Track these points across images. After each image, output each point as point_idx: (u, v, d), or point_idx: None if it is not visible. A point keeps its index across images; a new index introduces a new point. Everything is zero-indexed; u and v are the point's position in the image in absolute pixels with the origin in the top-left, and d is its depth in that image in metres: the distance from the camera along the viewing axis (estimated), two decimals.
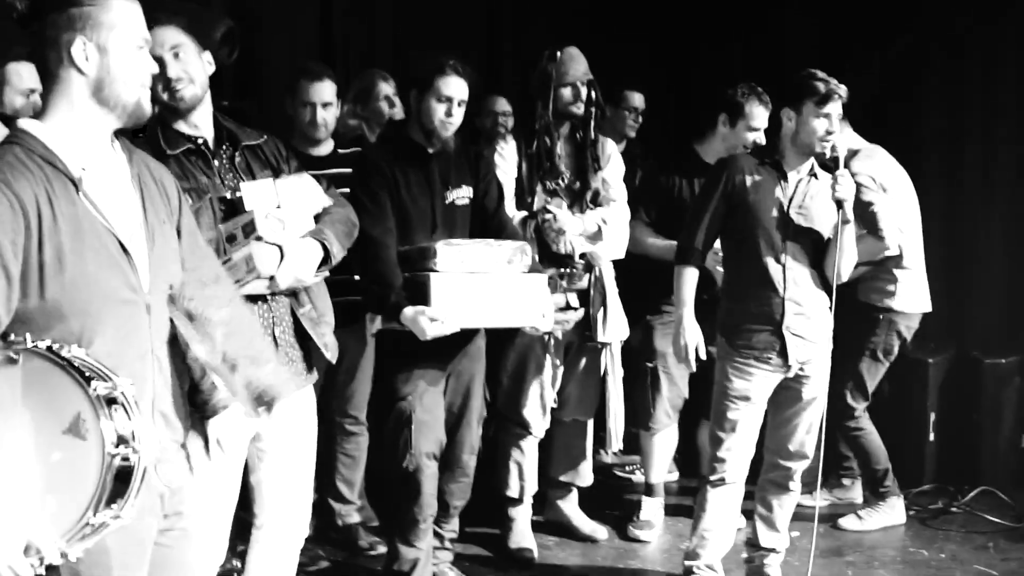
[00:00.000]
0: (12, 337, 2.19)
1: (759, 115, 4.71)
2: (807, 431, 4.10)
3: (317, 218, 3.19)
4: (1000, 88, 5.98)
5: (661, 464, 5.00)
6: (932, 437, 5.63)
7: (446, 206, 3.93)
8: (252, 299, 3.02)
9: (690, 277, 4.09)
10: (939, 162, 6.07)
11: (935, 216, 5.49)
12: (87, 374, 2.17)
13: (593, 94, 4.50)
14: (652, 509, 4.96)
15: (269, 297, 3.10)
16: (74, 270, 2.25)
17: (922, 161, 5.70)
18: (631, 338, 4.74)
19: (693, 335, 4.09)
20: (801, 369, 4.02)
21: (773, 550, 4.24)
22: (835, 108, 3.90)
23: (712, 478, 4.12)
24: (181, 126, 3.08)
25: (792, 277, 3.96)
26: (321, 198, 3.22)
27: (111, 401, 2.18)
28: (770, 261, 3.96)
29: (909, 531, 5.06)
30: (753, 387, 4.01)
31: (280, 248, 3.02)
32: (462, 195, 3.99)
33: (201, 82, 3.08)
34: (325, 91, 4.41)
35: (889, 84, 5.97)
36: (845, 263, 3.96)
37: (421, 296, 3.61)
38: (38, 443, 2.17)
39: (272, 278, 3.02)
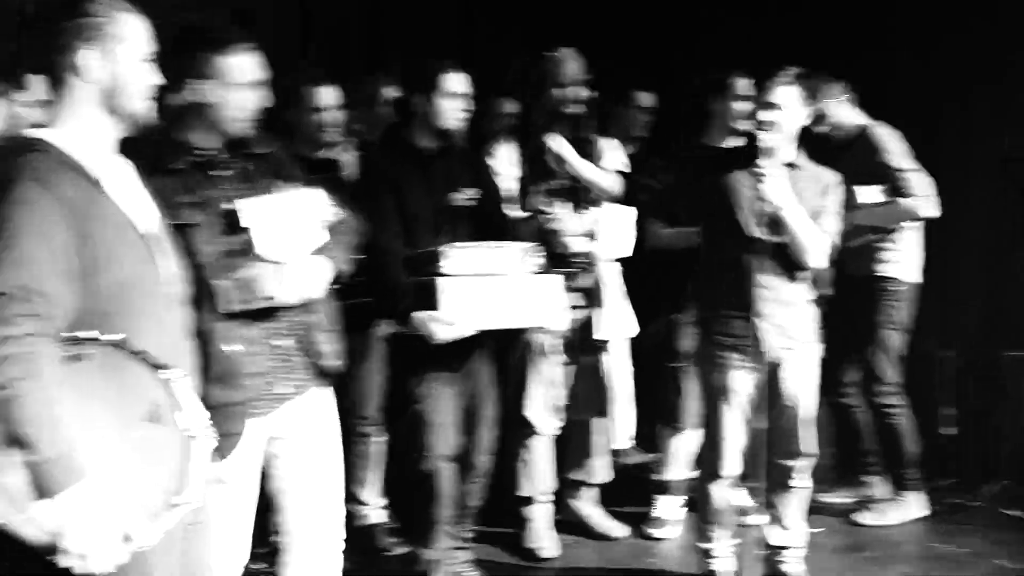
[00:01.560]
0: (73, 335, 2.26)
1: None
2: (801, 426, 4.09)
3: (330, 229, 3.18)
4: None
5: (680, 462, 5.00)
6: (951, 431, 5.60)
7: (450, 208, 3.95)
8: (254, 314, 3.01)
9: None
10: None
11: None
12: (159, 364, 2.29)
13: (585, 94, 4.50)
14: (669, 507, 4.95)
15: (273, 310, 3.05)
16: (115, 268, 2.34)
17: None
18: (655, 335, 4.74)
19: None
20: (782, 362, 4.03)
21: (785, 548, 4.24)
22: (783, 95, 3.89)
23: (706, 473, 4.18)
24: (186, 137, 3.07)
25: (761, 266, 3.96)
26: (329, 210, 3.20)
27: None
28: (744, 251, 3.96)
29: (929, 526, 5.04)
30: (736, 378, 4.02)
31: (282, 266, 3.01)
32: (466, 197, 4.00)
33: None
34: (330, 96, 4.43)
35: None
36: (801, 249, 3.92)
37: (430, 300, 3.63)
38: (119, 432, 2.28)
39: (273, 296, 3.00)
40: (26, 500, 2.20)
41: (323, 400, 3.27)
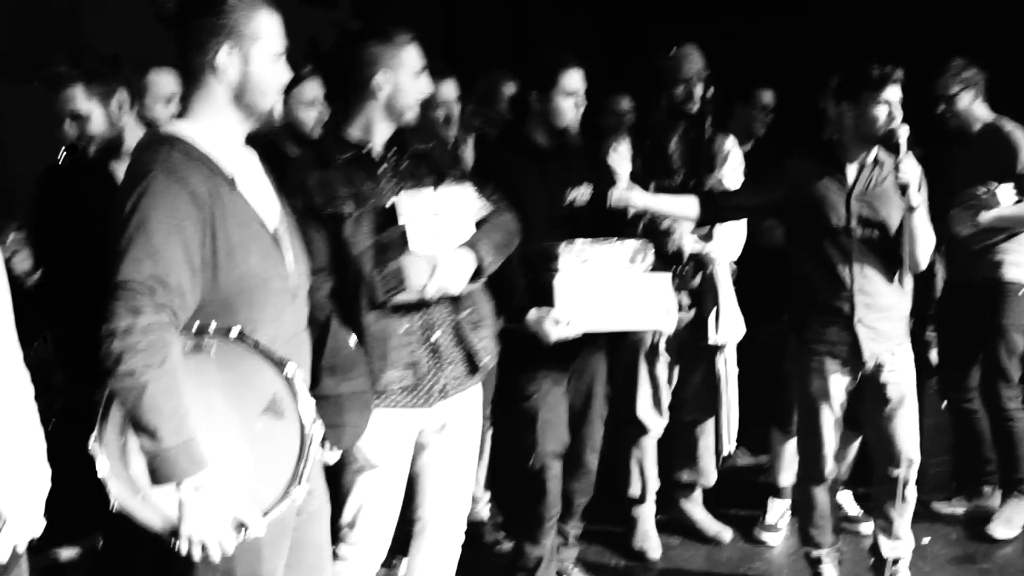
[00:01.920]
0: (197, 326, 2.33)
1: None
2: (905, 433, 3.98)
3: (479, 224, 3.22)
4: None
5: (791, 466, 4.93)
6: None
7: (566, 206, 3.94)
8: (408, 306, 3.10)
9: None
10: None
11: None
12: (278, 357, 2.34)
13: (708, 92, 4.45)
14: (779, 511, 4.89)
15: (426, 303, 3.14)
16: (241, 262, 2.39)
17: None
18: (768, 338, 4.69)
19: None
20: (881, 367, 3.94)
21: (898, 559, 4.15)
22: (894, 93, 3.79)
23: (806, 477, 4.13)
24: (352, 132, 3.16)
25: (860, 270, 3.87)
26: (479, 207, 3.25)
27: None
28: (835, 254, 3.89)
29: None
30: (830, 386, 3.96)
31: (431, 260, 3.06)
32: (582, 195, 3.99)
33: None
34: (449, 89, 4.44)
35: None
36: (920, 249, 3.83)
37: (545, 298, 3.63)
38: (238, 422, 2.34)
39: (423, 290, 3.07)
40: (146, 486, 2.27)
41: (473, 394, 3.35)
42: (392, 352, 3.08)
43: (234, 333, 2.34)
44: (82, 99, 3.12)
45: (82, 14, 5.49)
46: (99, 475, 2.29)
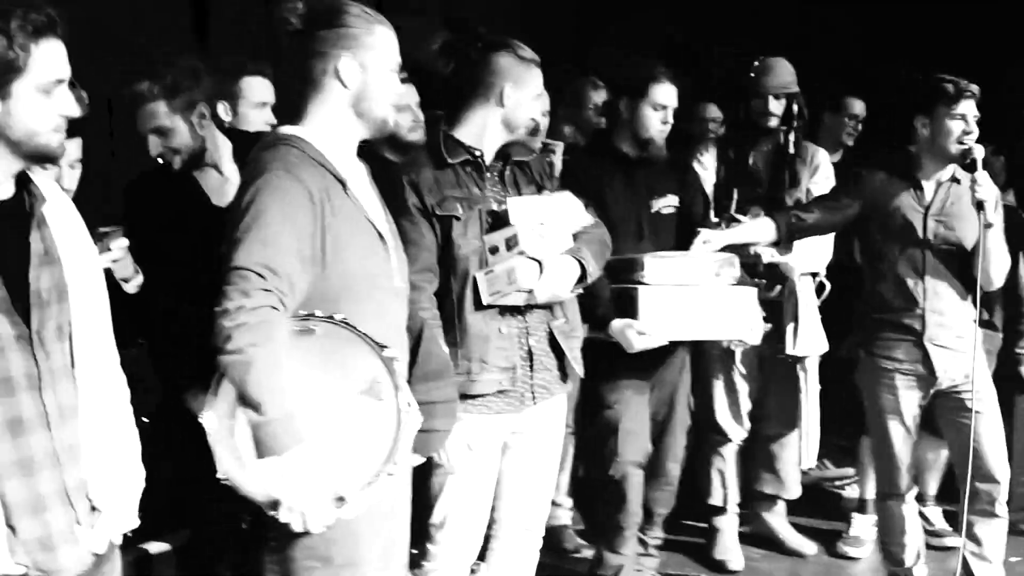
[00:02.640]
0: (304, 313, 2.44)
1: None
2: (989, 449, 3.90)
3: (575, 236, 3.29)
4: None
5: None
6: None
7: (652, 215, 3.95)
8: (508, 310, 3.19)
9: None
10: None
11: None
12: (379, 343, 2.44)
13: (795, 107, 4.42)
14: (864, 525, 4.84)
15: (524, 309, 3.22)
16: (349, 258, 2.50)
17: None
18: (850, 350, 4.64)
19: None
20: (957, 384, 3.88)
21: None
22: (969, 108, 3.74)
23: (884, 492, 4.10)
24: (465, 137, 3.25)
25: (933, 287, 3.84)
26: (582, 216, 3.33)
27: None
28: (908, 271, 3.86)
29: None
30: (900, 401, 3.93)
31: (540, 263, 3.14)
32: (668, 204, 3.99)
33: None
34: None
35: None
36: (995, 267, 3.79)
37: (629, 308, 3.65)
38: (338, 402, 2.43)
39: (531, 292, 3.15)
40: (250, 458, 2.37)
41: (559, 402, 3.41)
42: (491, 354, 3.17)
43: (339, 317, 2.45)
44: (164, 115, 3.16)
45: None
46: (209, 444, 2.39)
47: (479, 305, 3.16)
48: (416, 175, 3.15)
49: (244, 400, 2.33)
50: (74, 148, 3.13)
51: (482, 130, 3.25)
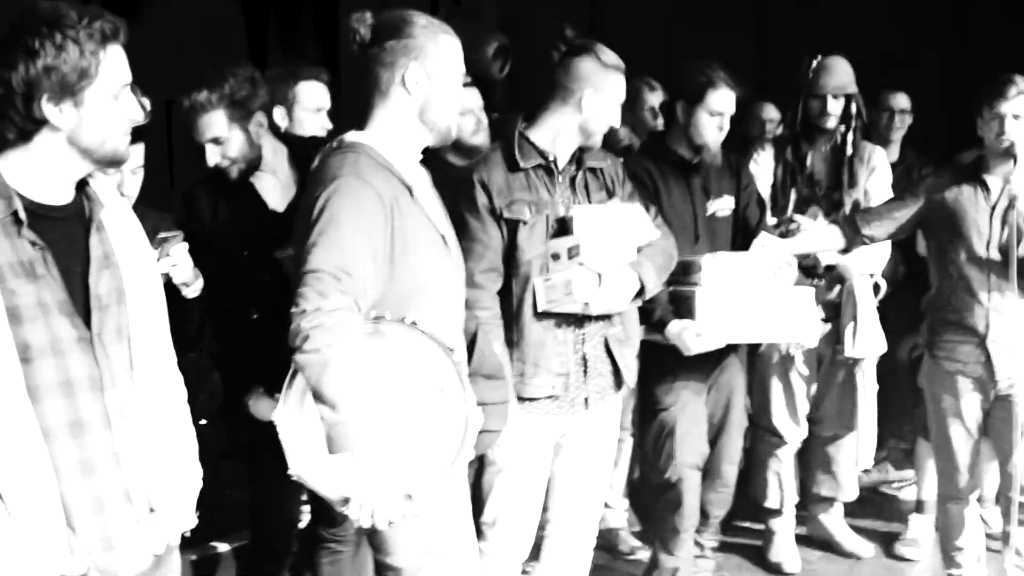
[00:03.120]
0: (374, 315, 2.50)
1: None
2: None
3: (640, 248, 3.30)
4: None
5: (935, 481, 4.82)
6: None
7: (708, 218, 3.93)
8: (565, 318, 3.20)
9: None
10: None
11: None
12: (447, 344, 2.50)
13: (854, 107, 4.35)
14: (921, 527, 4.79)
15: (582, 317, 3.23)
16: (415, 260, 2.56)
17: None
18: (910, 352, 4.59)
19: None
20: (1013, 386, 3.81)
21: None
22: (1011, 107, 3.69)
23: (944, 495, 4.06)
24: (540, 141, 3.26)
25: (997, 286, 3.77)
26: (649, 229, 3.32)
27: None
28: (973, 271, 3.79)
29: None
30: (962, 403, 3.87)
31: (599, 276, 3.15)
32: (724, 206, 3.97)
33: None
34: None
35: None
36: None
37: (686, 310, 3.63)
38: (407, 402, 2.50)
39: (586, 304, 3.15)
40: (322, 455, 2.43)
41: (614, 406, 3.43)
42: (545, 359, 3.18)
43: (409, 320, 2.51)
44: (223, 125, 3.16)
45: None
46: (281, 442, 2.47)
47: (537, 310, 3.18)
48: (487, 175, 3.18)
49: (319, 398, 2.39)
50: (137, 154, 3.18)
51: (557, 134, 3.26)
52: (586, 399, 3.29)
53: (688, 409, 3.90)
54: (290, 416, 2.49)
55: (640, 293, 3.27)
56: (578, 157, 3.31)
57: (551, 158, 3.25)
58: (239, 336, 3.21)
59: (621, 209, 3.28)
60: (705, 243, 3.85)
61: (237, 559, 4.02)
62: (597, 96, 3.22)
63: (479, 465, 3.25)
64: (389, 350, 2.51)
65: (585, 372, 3.26)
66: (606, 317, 3.29)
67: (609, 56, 3.27)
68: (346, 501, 2.45)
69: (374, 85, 2.63)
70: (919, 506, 4.83)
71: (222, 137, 3.17)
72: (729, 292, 3.63)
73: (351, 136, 2.65)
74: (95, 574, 2.06)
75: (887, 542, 4.83)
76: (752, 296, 3.66)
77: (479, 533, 3.26)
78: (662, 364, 3.75)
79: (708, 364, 3.87)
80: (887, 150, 5.04)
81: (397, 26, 2.61)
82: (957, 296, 3.86)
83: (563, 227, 3.20)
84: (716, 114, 3.80)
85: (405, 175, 2.61)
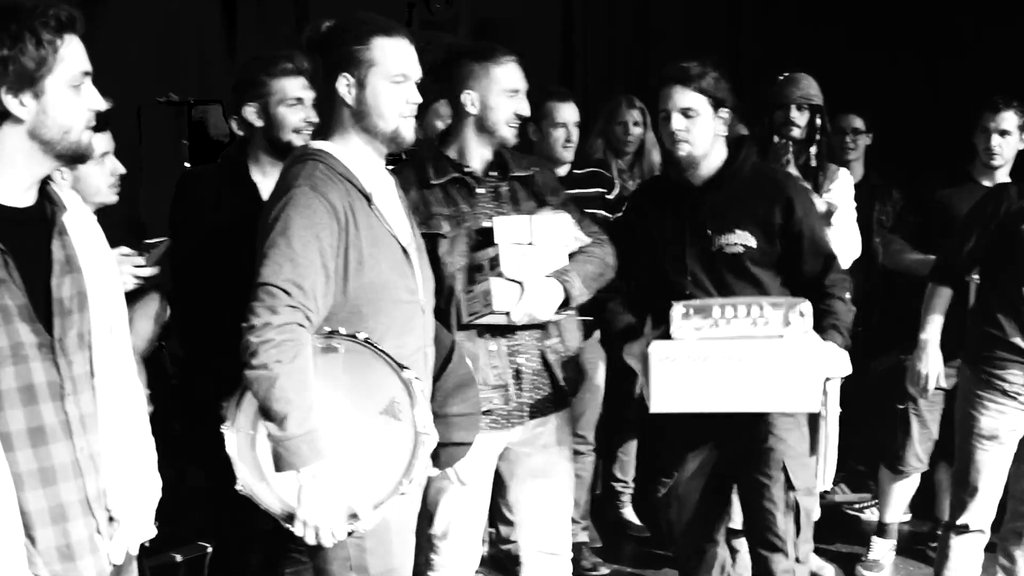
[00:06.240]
0: (327, 330, 2.49)
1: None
2: None
3: (573, 255, 3.19)
4: None
5: (899, 505, 4.83)
6: None
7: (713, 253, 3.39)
8: (494, 329, 3.13)
9: (941, 297, 3.84)
10: None
11: None
12: (400, 364, 2.48)
13: (819, 120, 4.25)
14: (883, 550, 4.79)
15: (514, 327, 3.14)
16: (371, 273, 2.55)
17: None
18: (879, 372, 4.58)
19: (935, 363, 3.85)
20: None
21: None
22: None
23: (956, 524, 3.89)
24: (452, 153, 3.20)
25: None
26: (577, 237, 3.20)
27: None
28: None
29: None
30: (1002, 425, 3.74)
31: (521, 285, 3.07)
32: (737, 241, 3.36)
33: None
34: (573, 112, 4.45)
35: None
36: None
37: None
38: (357, 421, 2.49)
39: (507, 313, 3.08)
40: (269, 472, 2.44)
41: (560, 421, 3.32)
42: (480, 372, 3.10)
43: (361, 336, 2.49)
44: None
45: None
46: (229, 456, 2.47)
47: (461, 323, 3.09)
48: (403, 195, 3.02)
49: (267, 414, 2.38)
50: (102, 142, 3.14)
51: (464, 143, 3.19)
52: (524, 412, 3.20)
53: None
54: (239, 431, 2.49)
55: (566, 303, 3.15)
56: (502, 165, 3.22)
57: (467, 170, 3.18)
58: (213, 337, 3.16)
59: (544, 218, 3.15)
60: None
61: (202, 567, 3.98)
62: (478, 92, 3.13)
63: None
64: (340, 367, 2.49)
65: (520, 385, 3.18)
66: (539, 327, 3.19)
67: (483, 49, 3.20)
68: (291, 518, 2.45)
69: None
70: (881, 528, 4.83)
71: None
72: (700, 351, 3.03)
73: (314, 144, 2.65)
74: None
75: (848, 563, 4.83)
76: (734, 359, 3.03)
77: (431, 546, 3.23)
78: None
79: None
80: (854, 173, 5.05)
81: (327, 36, 2.62)
82: (1007, 315, 3.73)
83: (486, 239, 3.10)
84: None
85: (364, 183, 2.59)
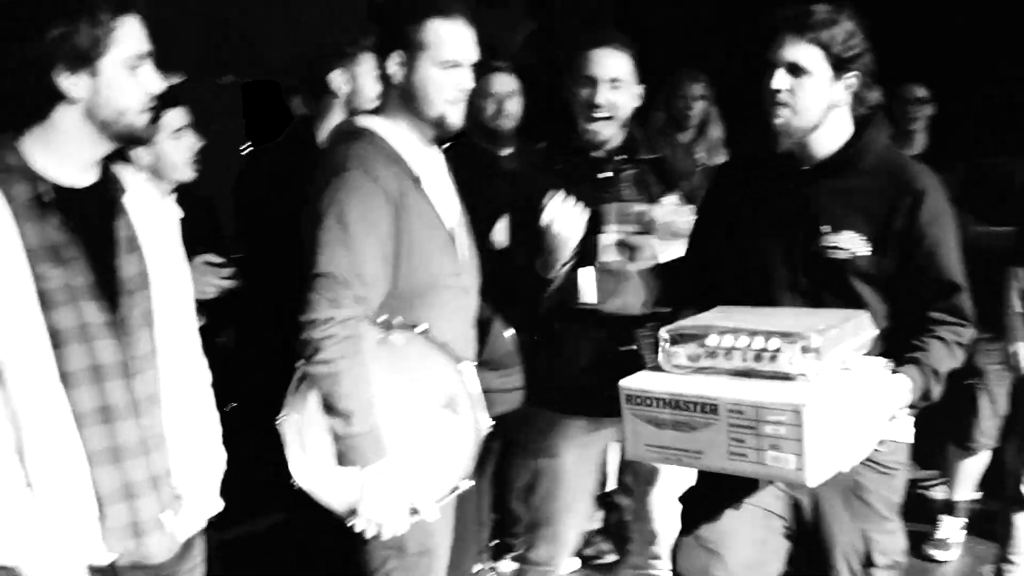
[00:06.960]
0: (384, 319, 2.45)
1: None
2: None
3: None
4: None
5: (967, 483, 4.75)
6: None
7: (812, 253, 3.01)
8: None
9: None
10: None
11: None
12: (457, 356, 2.46)
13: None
14: (952, 528, 4.73)
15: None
16: (421, 257, 2.50)
17: None
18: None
19: None
20: None
21: None
22: None
23: (1012, 498, 3.92)
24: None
25: None
26: (688, 227, 2.94)
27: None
28: None
29: None
30: None
31: (617, 275, 3.07)
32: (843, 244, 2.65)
33: None
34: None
35: None
36: None
37: None
38: (416, 414, 2.47)
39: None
40: (332, 469, 2.42)
41: None
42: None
43: (419, 329, 2.45)
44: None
45: None
46: (285, 453, 2.45)
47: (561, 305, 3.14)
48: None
49: (330, 411, 2.36)
50: (178, 117, 3.15)
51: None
52: None
53: None
54: (296, 425, 2.45)
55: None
56: (630, 148, 3.20)
57: (593, 153, 3.19)
58: (264, 322, 3.18)
59: (665, 208, 3.12)
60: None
61: (266, 541, 4.00)
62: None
63: None
64: (399, 359, 2.46)
65: None
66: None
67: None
68: (352, 513, 2.44)
69: (380, 71, 2.59)
70: (949, 507, 4.76)
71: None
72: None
73: (361, 120, 2.60)
74: (125, 561, 2.05)
75: (916, 542, 4.77)
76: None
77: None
78: None
79: None
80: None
81: (386, 10, 2.57)
82: None
83: (595, 224, 3.05)
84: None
85: (413, 164, 2.54)
